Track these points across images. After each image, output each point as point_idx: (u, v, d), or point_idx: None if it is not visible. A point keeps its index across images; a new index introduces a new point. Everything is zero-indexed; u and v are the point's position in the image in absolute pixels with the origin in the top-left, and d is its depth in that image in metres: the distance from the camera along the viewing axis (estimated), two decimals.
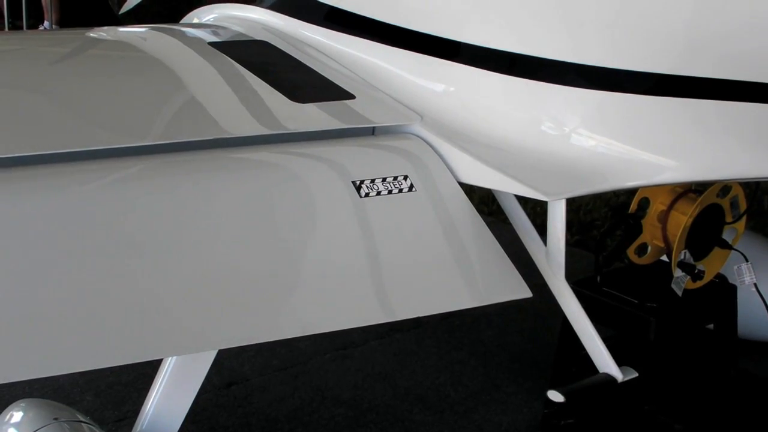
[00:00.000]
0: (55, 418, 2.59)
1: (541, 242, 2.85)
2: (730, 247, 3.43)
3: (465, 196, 2.58)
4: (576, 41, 2.63)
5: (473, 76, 2.78)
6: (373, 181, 2.46)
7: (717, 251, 3.40)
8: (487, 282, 2.53)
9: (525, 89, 2.71)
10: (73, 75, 2.94)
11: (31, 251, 2.06)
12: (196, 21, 3.85)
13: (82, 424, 2.64)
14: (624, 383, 2.95)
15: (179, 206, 2.30)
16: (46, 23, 11.03)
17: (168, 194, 2.33)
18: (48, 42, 3.63)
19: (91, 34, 3.61)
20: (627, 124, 2.65)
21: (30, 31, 9.93)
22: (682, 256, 3.23)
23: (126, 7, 4.76)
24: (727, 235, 3.43)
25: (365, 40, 3.03)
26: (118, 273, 2.12)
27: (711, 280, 3.40)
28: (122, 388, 3.66)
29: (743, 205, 3.43)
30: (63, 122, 2.51)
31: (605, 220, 5.47)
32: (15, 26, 10.74)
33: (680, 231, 3.21)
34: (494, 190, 2.72)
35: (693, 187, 3.34)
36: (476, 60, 2.78)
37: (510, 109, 2.75)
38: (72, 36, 3.89)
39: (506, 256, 2.53)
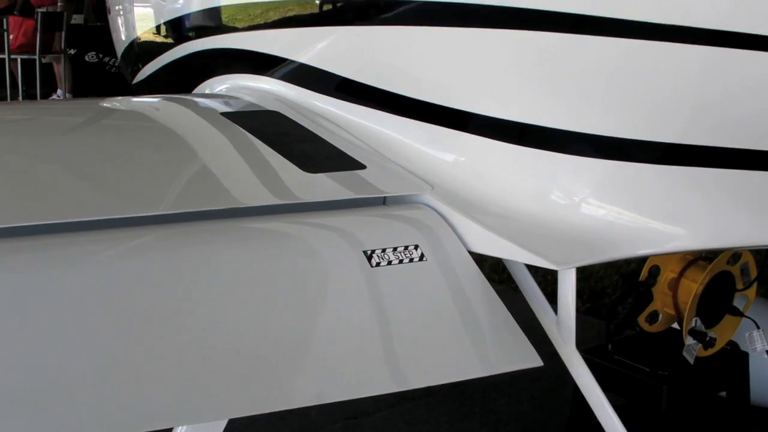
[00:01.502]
0: None
1: (551, 311, 2.85)
2: (741, 315, 3.43)
3: (475, 265, 2.59)
4: (584, 111, 2.66)
5: (483, 146, 2.81)
6: (384, 250, 2.47)
7: (728, 318, 3.39)
8: (498, 351, 2.52)
9: (534, 159, 2.73)
10: (87, 144, 2.97)
11: (40, 320, 2.07)
12: (208, 91, 3.91)
13: None
14: None
15: (190, 275, 2.31)
16: (59, 91, 11.17)
17: (179, 263, 2.33)
18: (61, 111, 3.67)
19: (105, 104, 3.66)
20: (636, 193, 2.67)
21: (43, 101, 10.06)
22: (694, 324, 3.23)
23: (139, 78, 4.83)
24: (738, 303, 3.43)
25: (376, 111, 3.06)
26: (127, 342, 2.12)
27: (723, 348, 3.39)
28: None
29: (754, 272, 3.43)
30: (76, 191, 2.53)
31: (616, 288, 5.47)
32: (29, 94, 10.87)
33: (691, 298, 3.21)
34: (504, 259, 2.72)
35: (703, 255, 3.34)
36: (486, 130, 2.81)
37: (520, 179, 2.77)
38: (85, 106, 3.94)
39: (517, 324, 2.53)
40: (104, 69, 11.26)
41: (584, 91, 2.66)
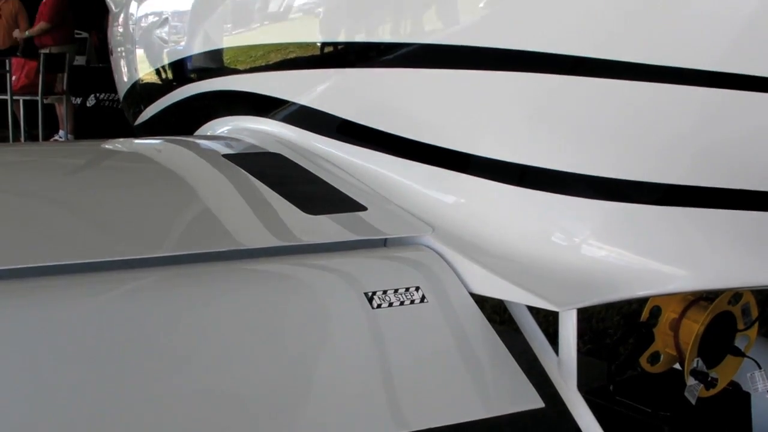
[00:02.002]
0: None
1: (552, 352, 2.84)
2: (743, 355, 3.42)
3: (476, 306, 2.59)
4: (584, 153, 2.67)
5: (483, 187, 2.82)
6: (385, 292, 2.48)
7: (730, 359, 3.39)
8: (499, 392, 2.52)
9: (535, 200, 2.74)
10: (89, 186, 2.99)
11: (38, 363, 2.07)
12: (210, 133, 3.93)
13: None
14: None
15: (190, 318, 2.32)
16: (61, 132, 11.21)
17: (179, 306, 2.34)
18: (64, 153, 3.70)
19: (106, 146, 3.68)
20: (636, 234, 2.67)
21: (46, 142, 10.10)
22: (695, 364, 3.22)
23: (141, 119, 4.85)
24: (739, 343, 3.42)
25: (377, 152, 3.08)
26: (125, 385, 2.12)
27: (724, 388, 3.38)
28: None
29: (755, 312, 3.43)
30: (78, 233, 2.54)
31: (617, 329, 5.46)
32: (31, 135, 10.91)
33: (692, 339, 3.21)
34: (505, 300, 2.73)
35: (704, 295, 3.34)
36: (486, 171, 2.82)
37: (520, 220, 2.78)
38: (87, 147, 3.97)
39: (517, 366, 2.53)
40: (102, 108, 11.32)
41: (584, 132, 2.67)
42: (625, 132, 2.62)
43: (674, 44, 2.42)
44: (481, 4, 2.83)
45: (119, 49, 5.21)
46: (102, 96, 11.19)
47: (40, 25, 10.96)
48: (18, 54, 11.14)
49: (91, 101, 11.39)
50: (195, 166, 3.20)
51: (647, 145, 2.58)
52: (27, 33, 10.96)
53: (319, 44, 3.36)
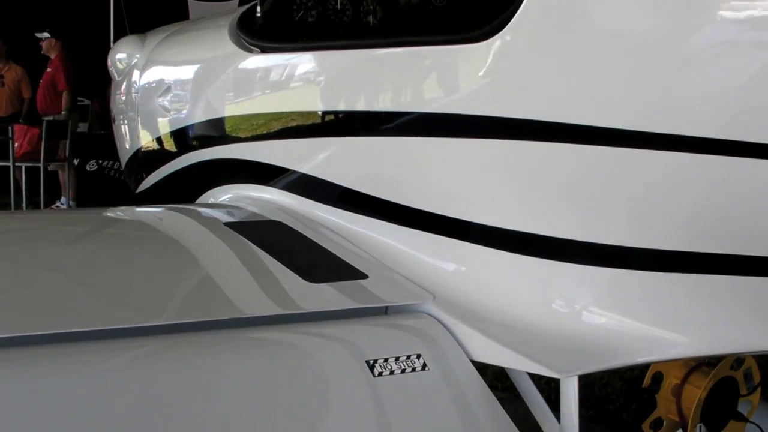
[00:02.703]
0: None
1: (554, 419, 2.83)
2: (746, 420, 3.40)
3: (477, 374, 2.59)
4: (584, 220, 2.68)
5: (484, 255, 2.83)
6: (386, 360, 2.48)
7: (732, 424, 3.37)
8: None
9: (535, 267, 2.75)
10: (91, 255, 3.00)
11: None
12: (212, 201, 3.95)
13: None
14: None
15: (192, 386, 2.31)
16: (63, 199, 11.23)
17: (181, 374, 2.34)
18: (66, 221, 3.71)
19: (109, 214, 3.70)
20: (637, 301, 2.68)
21: (48, 210, 10.12)
22: (698, 430, 3.20)
23: (143, 187, 4.88)
24: (742, 408, 3.40)
25: (377, 220, 3.10)
26: None
27: None
28: None
29: (757, 377, 3.41)
30: (80, 301, 2.55)
31: (620, 395, 5.43)
32: (33, 202, 10.93)
33: (695, 405, 3.19)
34: (506, 367, 2.72)
35: (706, 360, 3.33)
36: (486, 239, 2.83)
37: (521, 288, 2.79)
38: (90, 215, 3.98)
39: None
40: (104, 175, 11.35)
41: (583, 200, 2.69)
42: (625, 199, 2.63)
43: (674, 112, 2.45)
44: (480, 73, 2.86)
45: (121, 117, 5.25)
46: (104, 163, 11.25)
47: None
48: (21, 121, 11.21)
49: (91, 165, 11.45)
50: (196, 235, 3.22)
51: (648, 212, 2.60)
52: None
53: (319, 113, 3.39)
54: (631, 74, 2.52)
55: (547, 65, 2.71)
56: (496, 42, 2.78)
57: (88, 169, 11.51)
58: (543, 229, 2.74)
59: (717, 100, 2.38)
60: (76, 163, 11.22)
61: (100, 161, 11.40)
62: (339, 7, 3.94)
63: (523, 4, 2.71)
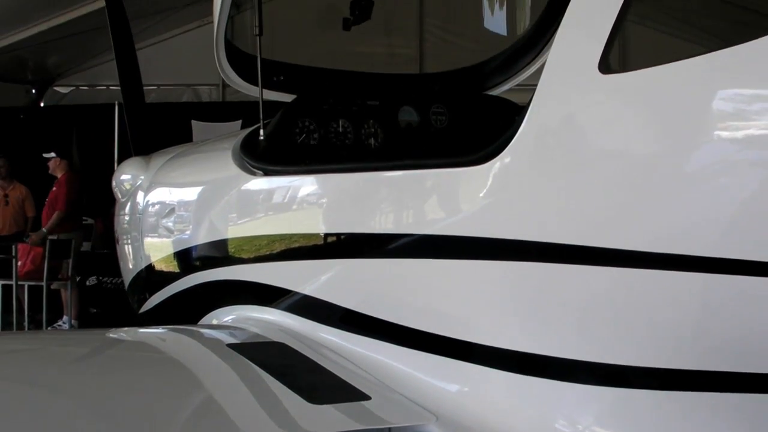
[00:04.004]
0: None
1: None
2: None
3: None
4: (585, 340, 2.69)
5: (486, 375, 2.84)
6: None
7: None
8: None
9: (537, 388, 2.75)
10: (94, 377, 3.01)
11: None
12: (214, 322, 3.96)
13: None
14: None
15: None
16: (65, 318, 11.22)
17: None
18: (69, 342, 3.72)
19: (112, 335, 3.71)
20: (640, 419, 2.67)
21: (51, 331, 10.12)
22: None
23: (146, 307, 4.89)
24: None
25: (379, 341, 3.11)
26: None
27: None
28: None
29: None
30: (81, 424, 2.55)
31: None
32: (35, 320, 10.92)
33: None
34: None
35: None
36: (488, 360, 2.84)
37: (524, 408, 2.78)
38: (92, 336, 3.99)
39: None
40: (102, 288, 11.38)
41: (584, 320, 2.70)
42: (626, 318, 2.64)
43: (673, 231, 2.47)
44: (480, 195, 2.90)
45: (125, 237, 5.30)
46: (104, 278, 11.28)
47: (55, 216, 11.10)
48: (24, 239, 11.27)
49: (91, 281, 11.48)
50: (199, 357, 3.23)
51: (648, 331, 2.60)
52: (44, 230, 11.10)
53: (321, 235, 3.44)
54: (629, 194, 2.56)
55: (546, 187, 2.75)
56: (495, 164, 2.83)
57: (87, 284, 11.54)
58: (545, 349, 2.74)
59: (715, 218, 2.41)
60: (78, 279, 11.26)
61: (99, 277, 11.43)
62: (341, 130, 4.03)
63: (521, 127, 2.77)
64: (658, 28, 11.09)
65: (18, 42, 12.05)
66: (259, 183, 3.82)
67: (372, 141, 4.03)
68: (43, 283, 10.65)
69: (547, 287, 2.75)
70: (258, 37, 3.80)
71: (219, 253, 4.02)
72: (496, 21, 4.85)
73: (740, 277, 2.38)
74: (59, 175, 11.44)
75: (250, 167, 3.84)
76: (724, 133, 2.41)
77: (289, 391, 2.79)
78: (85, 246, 11.95)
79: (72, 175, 11.58)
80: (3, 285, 10.94)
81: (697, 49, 2.50)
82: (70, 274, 11.00)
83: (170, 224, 4.49)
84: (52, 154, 11.40)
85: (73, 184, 11.48)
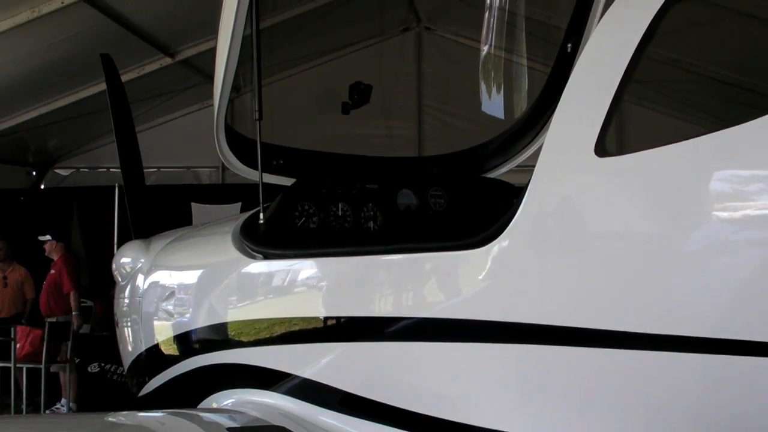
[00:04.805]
0: None
1: None
2: None
3: None
4: (587, 423, 2.68)
5: None
6: None
7: None
8: None
9: None
10: None
11: None
12: (214, 405, 3.94)
13: None
14: None
15: None
16: (63, 401, 11.14)
17: None
18: (67, 426, 3.71)
19: (110, 419, 3.70)
20: None
21: (48, 414, 10.04)
22: None
23: (145, 390, 4.87)
24: None
25: (380, 425, 3.10)
26: None
27: None
28: None
29: None
30: None
31: None
32: (33, 403, 10.84)
33: None
34: None
35: None
36: None
37: None
38: (91, 420, 3.97)
39: None
40: (106, 378, 11.29)
41: (585, 402, 2.70)
42: (626, 399, 2.63)
43: (673, 312, 2.48)
44: (479, 278, 2.92)
45: (125, 320, 5.29)
46: (107, 366, 11.22)
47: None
48: (23, 322, 11.22)
49: (93, 368, 11.41)
50: None
51: (649, 411, 2.59)
52: (74, 312, 11.08)
53: (321, 318, 3.44)
54: (628, 276, 2.57)
55: (544, 269, 2.77)
56: (494, 247, 2.85)
57: (89, 370, 11.46)
58: (545, 430, 2.73)
59: (714, 299, 2.42)
60: (77, 362, 11.20)
61: (102, 364, 11.36)
62: (340, 213, 4.06)
63: (519, 210, 2.79)
64: (655, 108, 11.22)
65: (19, 124, 12.13)
66: (259, 266, 3.84)
67: (371, 224, 4.05)
68: (42, 366, 10.58)
69: (547, 369, 2.75)
70: (258, 122, 3.85)
71: (219, 337, 4.02)
72: (493, 104, 4.90)
73: (740, 357, 2.38)
74: (56, 258, 11.45)
75: (250, 251, 3.86)
76: (722, 214, 2.43)
77: None
78: (84, 328, 11.90)
79: (68, 256, 11.60)
80: (2, 367, 10.87)
81: (692, 129, 2.54)
82: (69, 356, 10.94)
83: (170, 307, 4.49)
84: (48, 237, 11.42)
85: (73, 266, 11.49)
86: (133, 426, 3.63)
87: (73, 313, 11.22)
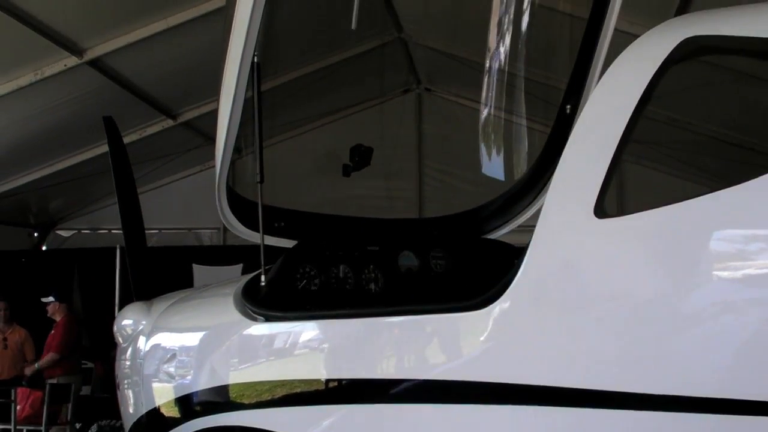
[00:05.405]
0: None
1: None
2: None
3: None
4: None
5: None
6: None
7: None
8: None
9: None
10: None
11: None
12: None
13: None
14: None
15: None
16: None
17: None
18: None
19: None
20: None
21: None
22: None
23: None
24: None
25: None
26: None
27: None
28: None
29: None
30: None
31: None
32: None
33: None
34: None
35: None
36: None
37: None
38: None
39: None
40: None
41: None
42: None
43: (675, 372, 2.48)
44: (480, 340, 2.92)
45: (126, 382, 5.26)
46: (104, 422, 11.16)
47: (49, 356, 11.06)
48: (24, 383, 11.18)
49: (93, 430, 11.34)
50: None
51: None
52: (37, 366, 11.04)
53: (323, 381, 3.43)
54: (629, 337, 2.59)
55: (545, 331, 2.78)
56: (495, 309, 2.86)
57: None
58: None
59: (716, 358, 2.42)
60: (78, 427, 11.14)
61: (100, 422, 11.31)
62: (341, 275, 4.06)
63: (519, 272, 2.81)
64: (656, 167, 11.26)
65: (20, 186, 12.18)
66: (261, 329, 3.84)
67: (372, 286, 4.06)
68: (42, 428, 10.53)
69: (550, 431, 2.74)
70: (259, 185, 3.87)
71: (221, 399, 4.00)
72: (493, 164, 4.93)
73: (742, 417, 2.38)
74: (58, 319, 11.44)
75: (251, 313, 3.86)
76: (723, 274, 2.45)
77: None
78: (85, 390, 11.86)
79: (70, 318, 11.58)
80: (2, 429, 10.80)
81: (692, 188, 2.56)
82: (69, 418, 10.88)
83: (171, 369, 4.47)
84: (51, 299, 11.43)
85: (71, 328, 11.47)
86: None
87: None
